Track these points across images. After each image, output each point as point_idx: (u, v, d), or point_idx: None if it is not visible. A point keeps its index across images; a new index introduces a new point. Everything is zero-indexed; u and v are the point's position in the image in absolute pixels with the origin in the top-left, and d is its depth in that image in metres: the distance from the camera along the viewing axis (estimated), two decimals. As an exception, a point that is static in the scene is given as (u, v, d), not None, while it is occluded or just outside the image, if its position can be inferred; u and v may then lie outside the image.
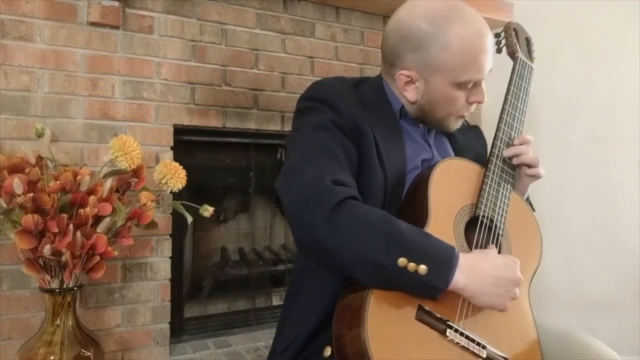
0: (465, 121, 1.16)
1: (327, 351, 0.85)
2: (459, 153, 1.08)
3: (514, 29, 1.15)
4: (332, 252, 0.79)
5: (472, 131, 1.16)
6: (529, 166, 1.02)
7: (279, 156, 1.99)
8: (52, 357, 1.21)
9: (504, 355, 0.85)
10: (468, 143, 1.11)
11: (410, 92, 0.99)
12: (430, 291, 0.79)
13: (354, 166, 0.90)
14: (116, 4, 1.51)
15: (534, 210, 1.10)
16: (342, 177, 0.84)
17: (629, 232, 2.14)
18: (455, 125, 1.04)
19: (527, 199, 1.10)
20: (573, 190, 2.20)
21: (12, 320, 1.43)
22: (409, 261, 0.76)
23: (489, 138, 1.09)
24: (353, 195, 0.82)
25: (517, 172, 1.03)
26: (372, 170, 0.91)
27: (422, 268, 0.76)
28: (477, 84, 0.97)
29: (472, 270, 0.81)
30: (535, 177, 1.04)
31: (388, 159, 0.93)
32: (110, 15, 1.51)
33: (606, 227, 2.17)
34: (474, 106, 1.01)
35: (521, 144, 1.02)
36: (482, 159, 1.12)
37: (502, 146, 1.01)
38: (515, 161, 1.02)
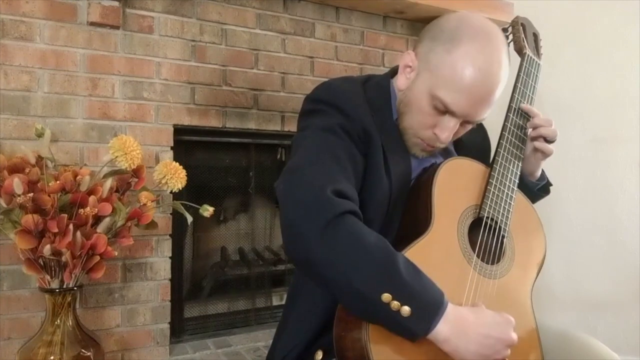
0: None
1: (319, 355, 0.85)
2: (463, 152, 1.06)
3: (522, 24, 1.13)
4: (318, 267, 0.76)
5: (477, 129, 1.13)
6: (547, 140, 1.00)
7: (279, 156, 1.99)
8: (52, 357, 1.21)
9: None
10: (472, 141, 1.09)
11: (402, 78, 0.96)
12: (408, 335, 0.75)
13: (358, 175, 0.87)
14: (116, 4, 1.51)
15: (551, 185, 1.09)
16: (344, 188, 0.80)
17: (629, 232, 2.14)
18: (416, 150, 0.97)
19: (542, 174, 1.08)
20: (573, 190, 2.20)
21: (12, 320, 1.42)
22: (394, 299, 0.72)
23: (494, 137, 1.08)
24: (353, 210, 0.78)
25: (524, 153, 1.01)
26: (378, 178, 0.89)
27: (406, 309, 0.72)
28: (449, 117, 0.91)
29: (458, 324, 0.76)
30: (546, 154, 1.02)
31: (394, 166, 0.91)
32: (110, 15, 1.51)
33: (606, 227, 2.17)
34: (440, 143, 0.94)
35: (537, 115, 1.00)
36: (486, 156, 1.12)
37: (508, 146, 0.99)
38: (533, 133, 1.00)
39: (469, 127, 0.96)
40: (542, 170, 1.08)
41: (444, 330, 0.75)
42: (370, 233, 0.78)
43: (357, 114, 0.90)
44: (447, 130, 0.92)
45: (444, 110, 0.90)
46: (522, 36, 1.11)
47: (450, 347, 0.76)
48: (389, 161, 0.91)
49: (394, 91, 1.00)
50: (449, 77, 0.88)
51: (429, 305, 0.75)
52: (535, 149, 1.02)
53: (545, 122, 1.00)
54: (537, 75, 1.08)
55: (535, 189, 1.08)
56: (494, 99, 0.91)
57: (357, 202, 0.82)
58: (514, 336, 0.80)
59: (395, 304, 0.72)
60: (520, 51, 1.10)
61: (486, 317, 0.80)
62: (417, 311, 0.73)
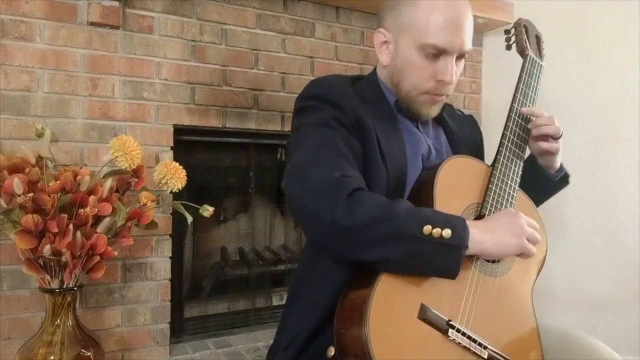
0: (460, 110, 1.18)
1: (331, 351, 0.85)
2: (454, 144, 1.08)
3: (524, 26, 1.14)
4: (356, 233, 0.79)
5: (467, 121, 1.17)
6: (553, 137, 1.01)
7: (279, 156, 1.99)
8: (52, 357, 1.21)
9: (505, 356, 0.85)
10: (463, 133, 1.11)
11: (383, 54, 1.01)
12: (456, 254, 0.79)
13: (359, 161, 0.91)
14: (116, 4, 1.51)
15: (569, 175, 1.10)
16: (350, 173, 0.85)
17: (629, 232, 2.14)
18: (427, 108, 1.00)
19: (561, 165, 1.09)
20: (573, 190, 2.19)
21: (12, 320, 1.42)
22: (433, 227, 0.78)
23: (493, 135, 1.08)
24: (364, 187, 0.84)
25: (526, 152, 1.02)
26: (375, 165, 0.92)
27: (447, 232, 0.78)
28: (444, 59, 0.94)
29: (478, 226, 0.83)
30: (553, 153, 1.03)
31: (389, 153, 0.94)
32: (110, 15, 1.51)
33: (606, 227, 2.16)
34: (447, 88, 0.98)
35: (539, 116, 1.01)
36: (478, 148, 1.14)
37: (510, 145, 1.00)
38: (535, 132, 1.01)
39: (462, 63, 0.99)
40: (562, 164, 1.10)
41: (475, 233, 0.81)
42: (382, 196, 0.84)
43: (349, 104, 0.93)
44: (448, 71, 0.95)
45: (436, 54, 0.94)
46: (524, 38, 1.12)
47: (488, 245, 0.82)
48: (384, 148, 0.93)
49: (383, 83, 1.04)
50: (426, 22, 0.93)
51: (457, 220, 0.81)
52: (543, 149, 1.03)
53: (547, 121, 1.01)
54: (539, 76, 1.09)
55: (556, 179, 1.10)
56: (471, 23, 0.96)
57: (364, 183, 0.87)
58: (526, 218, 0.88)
59: (436, 231, 0.78)
60: (522, 52, 1.11)
61: (494, 214, 0.90)
62: (455, 230, 0.79)
